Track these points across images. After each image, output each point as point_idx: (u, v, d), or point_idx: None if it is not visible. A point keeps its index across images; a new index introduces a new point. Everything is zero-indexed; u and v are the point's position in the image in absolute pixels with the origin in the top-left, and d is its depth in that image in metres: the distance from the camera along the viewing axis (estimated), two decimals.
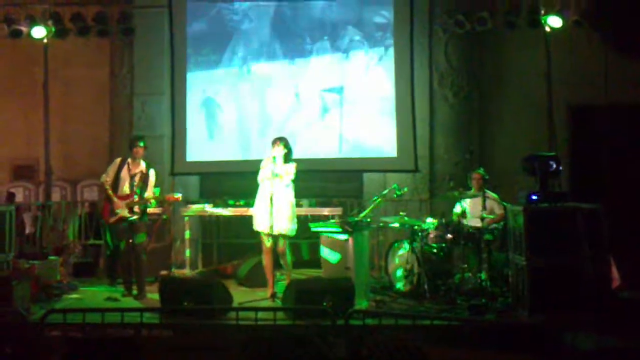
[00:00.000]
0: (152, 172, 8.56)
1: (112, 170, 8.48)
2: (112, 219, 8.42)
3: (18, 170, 13.07)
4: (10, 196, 11.54)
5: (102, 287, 9.16)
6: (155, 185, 8.69)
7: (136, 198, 8.35)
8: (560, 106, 10.89)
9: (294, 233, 8.24)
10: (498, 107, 11.35)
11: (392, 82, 10.92)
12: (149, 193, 8.46)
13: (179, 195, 8.61)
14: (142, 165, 8.52)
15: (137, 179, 8.43)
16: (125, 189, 8.40)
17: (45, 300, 8.01)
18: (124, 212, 8.34)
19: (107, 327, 6.13)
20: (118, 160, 8.61)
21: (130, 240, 8.44)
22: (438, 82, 11.13)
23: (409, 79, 10.85)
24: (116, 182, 8.43)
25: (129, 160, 8.49)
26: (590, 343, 5.60)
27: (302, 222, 8.52)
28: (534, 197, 7.49)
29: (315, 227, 8.36)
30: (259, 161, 8.38)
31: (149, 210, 8.89)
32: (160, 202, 8.87)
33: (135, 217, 8.38)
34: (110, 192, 8.40)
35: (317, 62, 11.16)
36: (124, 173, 8.42)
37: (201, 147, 11.48)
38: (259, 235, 8.23)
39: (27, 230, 11.17)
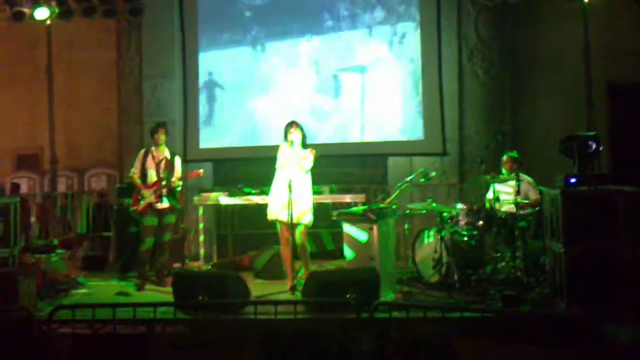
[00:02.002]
0: (177, 159, 8.96)
1: (138, 162, 8.88)
2: (140, 207, 8.72)
3: (21, 159, 13.19)
4: (15, 187, 11.66)
5: (112, 281, 9.24)
6: None
7: (164, 183, 8.68)
8: (600, 83, 10.74)
9: (312, 223, 8.27)
10: (532, 85, 11.24)
11: (417, 59, 10.88)
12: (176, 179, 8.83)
13: (200, 170, 9.05)
14: (166, 152, 8.88)
15: (162, 165, 8.80)
16: (152, 176, 8.74)
17: (52, 296, 8.07)
18: (151, 198, 8.67)
19: (118, 323, 6.19)
20: (142, 151, 8.99)
21: (157, 233, 8.75)
22: (468, 58, 11.04)
23: (436, 55, 10.81)
24: (143, 174, 8.81)
25: (152, 148, 8.87)
26: (632, 335, 5.58)
27: (324, 209, 8.51)
28: (572, 180, 7.42)
29: (337, 215, 8.37)
30: (274, 147, 8.40)
31: None
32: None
33: (162, 204, 8.68)
34: (138, 181, 8.78)
35: (336, 40, 11.15)
36: (149, 162, 8.81)
37: (214, 133, 11.54)
38: (275, 225, 8.27)
39: (33, 223, 11.28)
